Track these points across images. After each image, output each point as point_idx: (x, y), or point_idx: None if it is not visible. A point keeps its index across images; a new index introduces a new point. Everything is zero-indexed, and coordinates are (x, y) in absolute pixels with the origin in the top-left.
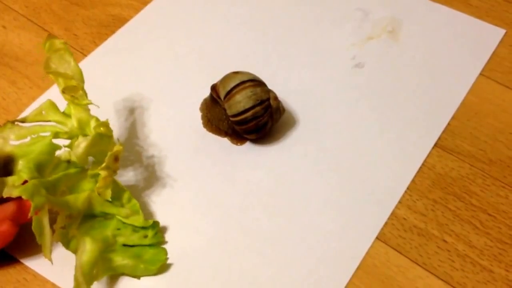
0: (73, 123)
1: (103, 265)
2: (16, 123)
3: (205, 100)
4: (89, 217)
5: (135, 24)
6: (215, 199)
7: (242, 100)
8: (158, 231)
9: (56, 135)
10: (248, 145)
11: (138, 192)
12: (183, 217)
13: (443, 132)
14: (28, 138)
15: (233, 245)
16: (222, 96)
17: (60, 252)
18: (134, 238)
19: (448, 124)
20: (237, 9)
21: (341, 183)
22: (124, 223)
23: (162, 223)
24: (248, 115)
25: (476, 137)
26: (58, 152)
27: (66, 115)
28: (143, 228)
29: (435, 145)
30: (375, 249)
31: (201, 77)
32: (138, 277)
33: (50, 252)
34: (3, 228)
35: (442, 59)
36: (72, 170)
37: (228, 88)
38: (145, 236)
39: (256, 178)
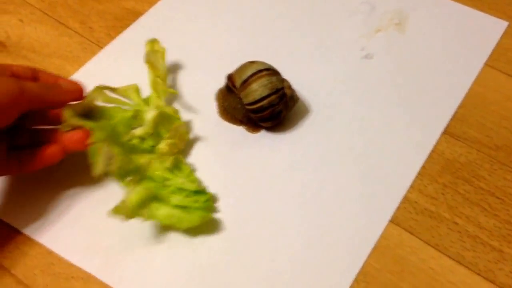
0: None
1: (151, 210)
2: (105, 90)
3: (221, 90)
4: (149, 179)
5: (150, 17)
6: (231, 186)
7: (258, 89)
8: (209, 199)
9: (136, 112)
10: (262, 133)
11: None
12: None
13: (451, 119)
14: (112, 105)
15: (247, 230)
16: (238, 85)
17: (85, 238)
18: (185, 201)
19: (456, 112)
20: (249, 3)
21: (354, 169)
22: (179, 188)
23: None
24: (264, 103)
25: (482, 124)
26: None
27: (145, 101)
28: (196, 193)
29: (444, 132)
30: (389, 231)
31: (215, 68)
32: (181, 228)
33: (98, 172)
34: (51, 150)
35: (448, 50)
36: (143, 145)
37: (245, 77)
38: (196, 201)
39: (271, 165)
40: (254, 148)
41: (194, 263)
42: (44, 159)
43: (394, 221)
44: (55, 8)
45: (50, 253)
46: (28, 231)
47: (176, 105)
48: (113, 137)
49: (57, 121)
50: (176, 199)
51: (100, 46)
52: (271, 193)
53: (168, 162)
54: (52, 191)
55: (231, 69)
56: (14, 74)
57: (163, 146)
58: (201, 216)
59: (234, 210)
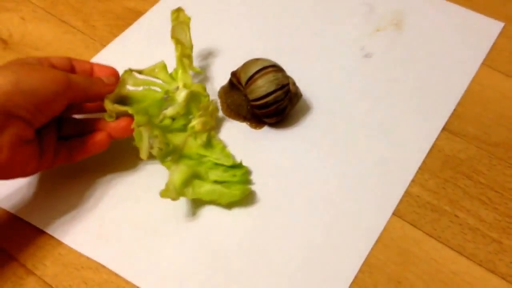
0: (179, 85)
1: (194, 188)
2: (133, 72)
3: (223, 87)
4: (186, 157)
5: (151, 16)
6: None
7: (264, 85)
8: (246, 172)
9: (166, 93)
10: (266, 129)
11: None
12: None
13: (450, 116)
14: (141, 88)
15: (247, 222)
16: (243, 82)
17: (94, 229)
18: (224, 176)
19: (455, 109)
20: (250, 2)
21: (357, 164)
22: (216, 164)
23: None
24: (270, 99)
25: (480, 122)
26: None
27: (172, 78)
28: (232, 167)
29: (443, 128)
30: (392, 224)
31: (217, 66)
32: (223, 203)
33: (146, 155)
34: (99, 137)
35: (446, 50)
36: (176, 125)
37: (250, 74)
38: (234, 175)
39: (275, 161)
40: (258, 143)
41: (202, 249)
42: (94, 147)
43: (397, 214)
44: (57, 6)
45: (60, 244)
46: (37, 223)
47: None
48: (149, 120)
49: (94, 110)
50: (215, 174)
51: (103, 44)
52: (276, 188)
53: (202, 139)
54: (61, 184)
55: (232, 67)
56: (53, 65)
57: (195, 124)
58: (241, 190)
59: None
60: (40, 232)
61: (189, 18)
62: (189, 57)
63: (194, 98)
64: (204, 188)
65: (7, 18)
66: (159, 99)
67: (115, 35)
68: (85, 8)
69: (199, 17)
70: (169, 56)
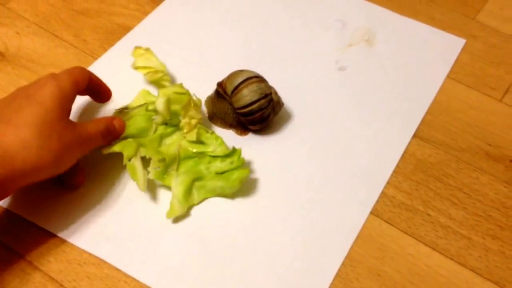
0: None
1: (198, 192)
2: (123, 111)
3: (210, 97)
4: (187, 158)
5: (139, 31)
6: None
7: (248, 94)
8: (240, 155)
9: (148, 105)
10: (251, 136)
11: None
12: None
13: (420, 124)
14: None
15: (239, 220)
16: (229, 91)
17: (95, 227)
18: (223, 166)
19: (423, 118)
20: (231, 19)
21: (336, 168)
22: (213, 156)
23: None
24: (254, 107)
25: (448, 129)
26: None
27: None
28: (228, 156)
29: (414, 135)
30: (370, 222)
31: (202, 77)
32: (228, 195)
33: (144, 187)
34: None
35: (414, 64)
36: (168, 129)
37: (236, 84)
38: (231, 162)
39: (259, 164)
40: (244, 149)
41: (196, 243)
42: None
43: (374, 213)
44: (49, 22)
45: (63, 242)
46: (41, 223)
47: None
48: (142, 136)
49: None
50: (215, 166)
51: (94, 57)
52: (261, 190)
53: (193, 136)
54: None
55: (217, 78)
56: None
57: (183, 125)
58: (239, 177)
59: (226, 207)
60: (44, 232)
61: (148, 48)
62: (158, 73)
63: (176, 100)
64: (206, 188)
65: (3, 33)
66: (144, 112)
67: (105, 49)
68: (76, 23)
69: (183, 32)
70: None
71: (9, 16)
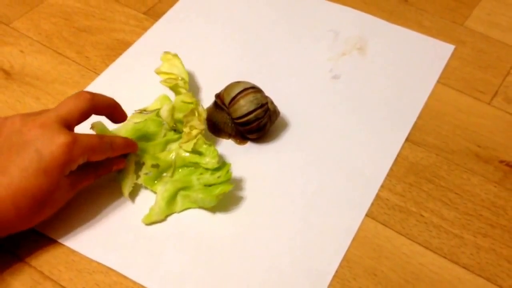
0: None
1: (182, 201)
2: (142, 112)
3: (208, 108)
4: (184, 167)
5: (139, 46)
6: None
7: (245, 104)
8: (228, 170)
9: (157, 111)
10: (249, 145)
11: None
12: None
13: (412, 129)
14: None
15: (239, 225)
16: (227, 102)
17: (103, 237)
18: (211, 179)
19: (415, 122)
20: (227, 33)
21: (332, 173)
22: (206, 168)
23: None
24: (251, 117)
25: (438, 132)
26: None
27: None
28: (217, 169)
29: (406, 139)
30: (366, 224)
31: (201, 89)
32: (208, 207)
33: (127, 192)
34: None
35: (405, 70)
36: (176, 136)
37: (233, 95)
38: (219, 177)
39: (259, 172)
40: (243, 157)
41: (197, 249)
42: (117, 164)
43: (369, 215)
44: (52, 40)
45: (72, 252)
46: (51, 233)
47: None
48: (151, 139)
49: None
50: (204, 179)
51: (97, 73)
52: (261, 195)
53: (189, 146)
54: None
55: (215, 89)
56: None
57: (183, 133)
58: (218, 193)
59: (227, 213)
60: (53, 242)
61: (176, 54)
62: (183, 83)
63: (182, 109)
64: (189, 198)
65: (7, 52)
66: (154, 118)
67: (107, 65)
68: (78, 41)
69: (181, 46)
70: (156, 80)
71: (13, 35)
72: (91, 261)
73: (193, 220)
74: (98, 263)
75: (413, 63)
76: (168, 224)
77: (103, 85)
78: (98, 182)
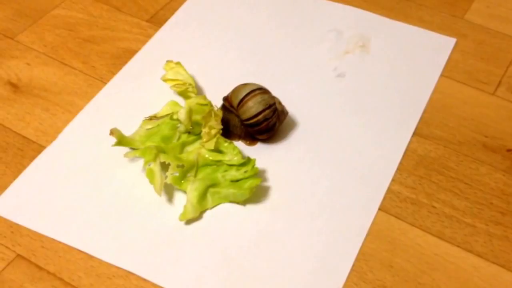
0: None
1: (212, 197)
2: (152, 119)
3: None
4: (206, 166)
5: (145, 54)
6: None
7: (254, 106)
8: (254, 166)
9: (172, 114)
10: (259, 145)
11: None
12: None
13: (419, 122)
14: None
15: (255, 225)
16: (235, 105)
17: (121, 241)
18: (237, 174)
19: (422, 116)
20: (230, 38)
21: (342, 170)
22: (230, 165)
23: None
24: (260, 117)
25: (445, 125)
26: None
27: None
28: (243, 165)
29: (414, 133)
30: (379, 218)
31: (207, 94)
32: (240, 202)
33: (160, 190)
34: None
35: (409, 65)
36: (191, 138)
37: (241, 97)
38: (245, 171)
39: (270, 171)
40: (255, 158)
41: (216, 249)
42: None
43: (382, 209)
44: (57, 51)
45: (90, 257)
46: (67, 239)
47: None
48: (166, 143)
49: None
50: (230, 175)
51: (104, 82)
52: (273, 195)
53: (211, 145)
54: (86, 204)
55: (222, 92)
56: None
57: (203, 133)
58: (250, 187)
59: (242, 213)
60: (71, 248)
61: (177, 63)
62: (185, 85)
63: (198, 111)
64: (219, 195)
65: (14, 65)
66: (168, 122)
67: (113, 73)
68: (83, 51)
69: (186, 52)
70: (163, 87)
71: (19, 49)
72: (110, 265)
73: (209, 221)
74: (117, 268)
75: (416, 58)
76: (185, 226)
77: (110, 94)
78: (113, 188)
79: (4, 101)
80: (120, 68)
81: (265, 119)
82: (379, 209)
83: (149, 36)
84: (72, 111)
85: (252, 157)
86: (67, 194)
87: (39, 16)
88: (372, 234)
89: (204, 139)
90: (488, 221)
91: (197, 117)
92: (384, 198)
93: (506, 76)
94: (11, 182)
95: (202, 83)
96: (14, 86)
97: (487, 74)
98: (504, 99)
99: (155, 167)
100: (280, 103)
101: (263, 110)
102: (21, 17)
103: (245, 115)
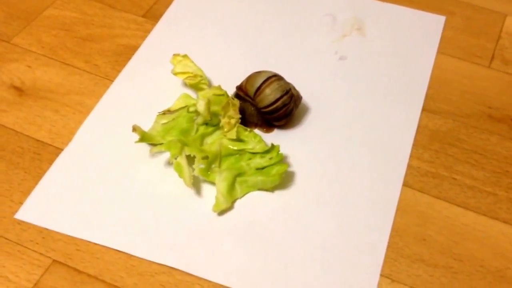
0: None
1: (240, 186)
2: (165, 113)
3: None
4: (228, 155)
5: (146, 49)
6: None
7: (271, 93)
8: (278, 151)
9: (189, 106)
10: (276, 132)
11: None
12: None
13: (425, 99)
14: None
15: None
16: (251, 93)
17: (159, 238)
18: (263, 162)
19: (426, 93)
20: (229, 29)
21: (360, 150)
22: (253, 153)
23: None
24: (278, 104)
25: (450, 99)
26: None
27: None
28: (267, 152)
29: (423, 109)
30: (405, 194)
31: (215, 83)
32: (269, 189)
33: (190, 183)
34: None
35: (405, 44)
36: (209, 129)
37: (257, 85)
38: (271, 158)
39: (290, 156)
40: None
41: (253, 239)
42: None
43: (406, 184)
44: (57, 52)
45: (129, 256)
46: (103, 241)
47: None
48: (185, 136)
49: None
50: (255, 163)
51: (110, 80)
52: (297, 181)
53: (233, 134)
54: (119, 205)
55: (228, 83)
56: None
57: (223, 125)
58: (279, 172)
59: (270, 201)
60: (107, 249)
61: (184, 55)
62: (196, 77)
63: (215, 101)
64: (248, 183)
65: (14, 68)
66: (186, 114)
67: (118, 70)
68: (83, 50)
69: (187, 45)
70: (176, 81)
71: (16, 52)
72: (150, 263)
73: (240, 211)
74: (158, 264)
75: (411, 37)
76: (219, 218)
77: (120, 91)
78: (139, 184)
79: (10, 105)
80: (123, 65)
81: (284, 105)
82: (403, 185)
83: (148, 31)
84: (82, 111)
85: (275, 143)
86: (93, 195)
87: (32, 17)
88: (401, 209)
89: (225, 129)
90: (507, 188)
91: (215, 108)
92: (406, 174)
93: (498, 49)
94: (33, 187)
95: (207, 74)
96: (19, 90)
97: (480, 48)
98: (500, 71)
99: (182, 161)
100: (294, 88)
101: (281, 97)
102: (13, 19)
103: (263, 103)
